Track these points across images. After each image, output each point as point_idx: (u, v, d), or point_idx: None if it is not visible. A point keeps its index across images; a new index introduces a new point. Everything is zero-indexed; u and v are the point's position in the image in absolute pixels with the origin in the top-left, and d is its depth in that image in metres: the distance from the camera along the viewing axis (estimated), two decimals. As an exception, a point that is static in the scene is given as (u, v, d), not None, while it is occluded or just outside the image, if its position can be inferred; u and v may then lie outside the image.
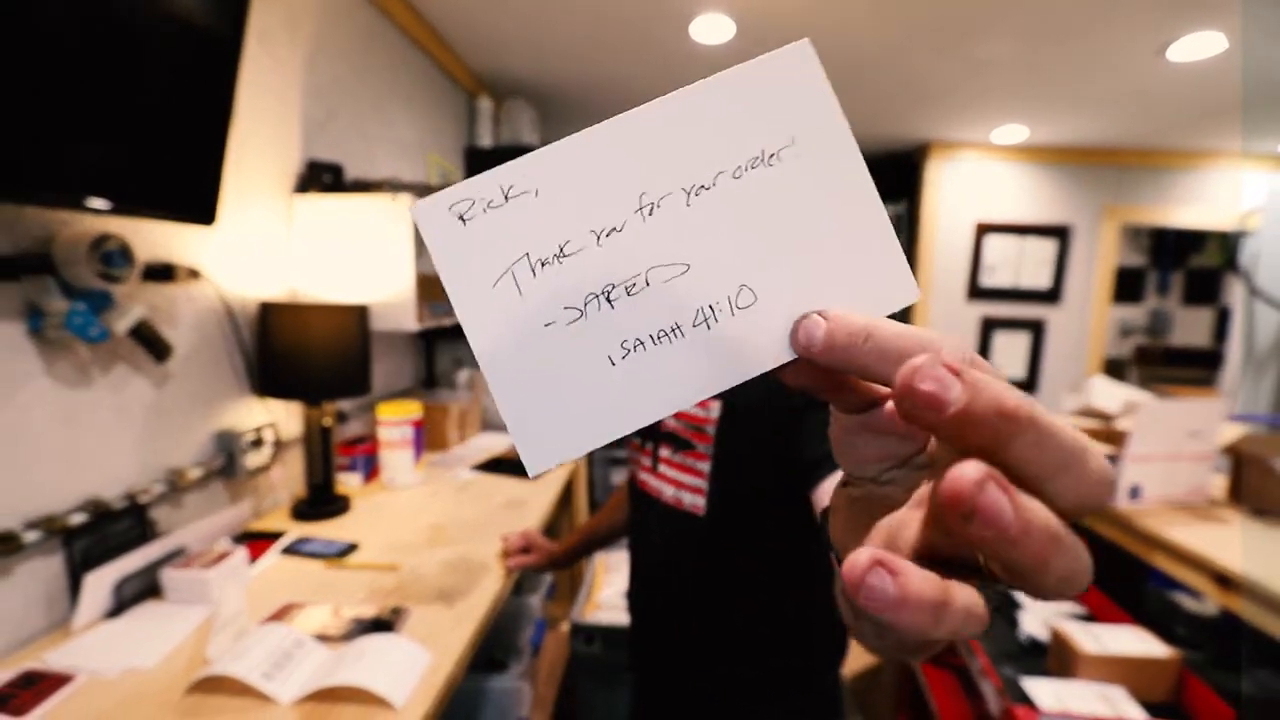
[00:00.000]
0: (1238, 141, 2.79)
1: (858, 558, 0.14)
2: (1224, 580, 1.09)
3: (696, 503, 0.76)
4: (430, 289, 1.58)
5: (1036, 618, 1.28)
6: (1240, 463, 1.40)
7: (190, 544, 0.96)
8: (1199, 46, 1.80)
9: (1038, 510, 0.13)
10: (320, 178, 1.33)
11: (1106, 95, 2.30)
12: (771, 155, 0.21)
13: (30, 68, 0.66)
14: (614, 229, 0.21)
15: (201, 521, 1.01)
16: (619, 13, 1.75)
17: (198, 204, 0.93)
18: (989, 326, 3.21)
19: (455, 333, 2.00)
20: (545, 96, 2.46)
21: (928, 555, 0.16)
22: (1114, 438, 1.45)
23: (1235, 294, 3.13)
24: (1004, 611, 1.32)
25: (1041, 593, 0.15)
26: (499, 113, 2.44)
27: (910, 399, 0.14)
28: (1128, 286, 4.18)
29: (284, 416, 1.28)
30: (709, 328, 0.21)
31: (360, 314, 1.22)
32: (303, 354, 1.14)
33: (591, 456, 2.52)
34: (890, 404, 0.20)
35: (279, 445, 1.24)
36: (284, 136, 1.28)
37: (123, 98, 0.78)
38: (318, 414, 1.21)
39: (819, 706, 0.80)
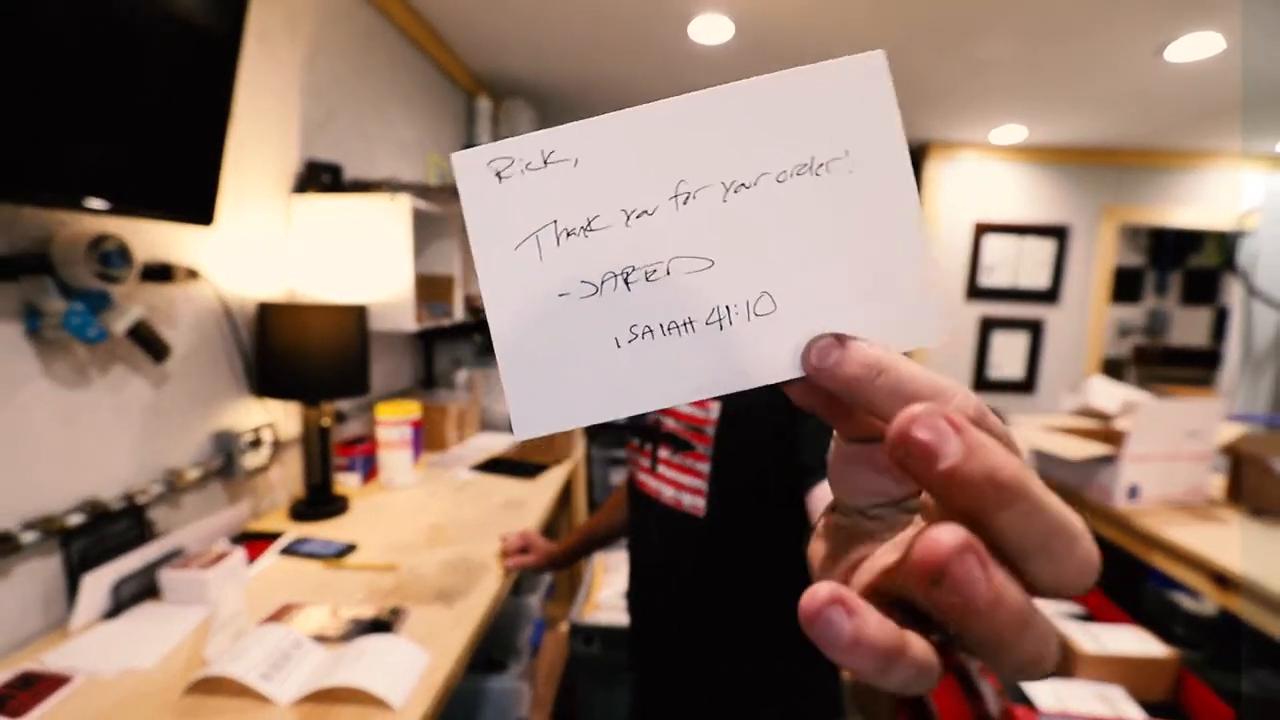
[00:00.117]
0: (1236, 141, 2.79)
1: (818, 590, 0.14)
2: (1222, 580, 1.09)
3: (696, 504, 0.76)
4: (429, 289, 1.58)
5: (1035, 617, 1.28)
6: (1239, 462, 1.41)
7: (188, 544, 0.96)
8: (1197, 47, 1.80)
9: (1011, 589, 0.13)
10: (319, 178, 1.33)
11: (1105, 95, 2.30)
12: (821, 165, 0.20)
13: (29, 67, 0.66)
14: (645, 212, 0.20)
15: (200, 522, 1.01)
16: (618, 13, 1.75)
17: (196, 204, 0.93)
18: (988, 326, 3.22)
19: (454, 333, 2.00)
20: (544, 96, 2.45)
21: (894, 600, 0.16)
22: (1112, 437, 1.45)
23: (1233, 294, 3.13)
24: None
25: (1001, 671, 0.14)
26: (498, 113, 2.44)
27: (904, 446, 0.14)
28: (1126, 286, 4.19)
29: (282, 417, 1.28)
30: (722, 329, 0.20)
31: (359, 314, 1.22)
32: (301, 354, 1.13)
33: (590, 456, 2.52)
34: None
35: (277, 445, 1.24)
36: (283, 136, 1.28)
37: (121, 97, 0.78)
38: (316, 414, 1.20)
39: (819, 707, 0.80)
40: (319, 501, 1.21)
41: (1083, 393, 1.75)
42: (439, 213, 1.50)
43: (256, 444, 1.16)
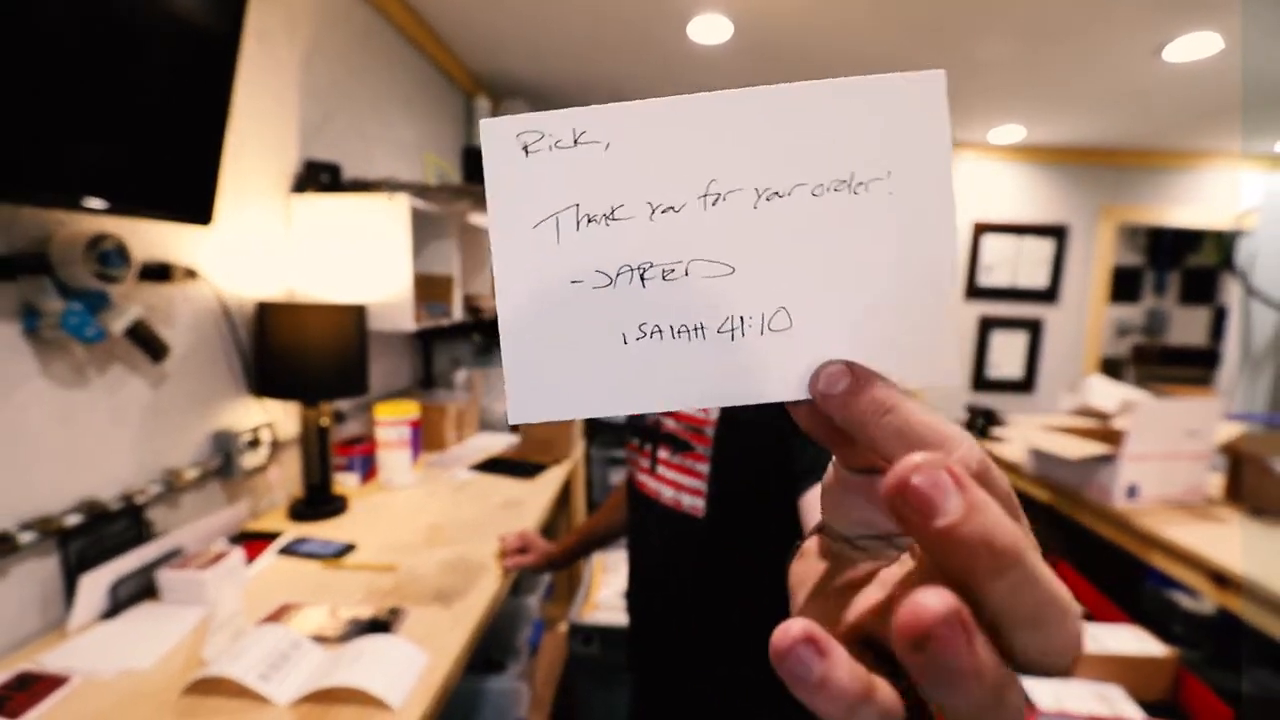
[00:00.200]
0: (1234, 141, 2.80)
1: (791, 627, 0.14)
2: (1221, 579, 1.09)
3: (696, 505, 0.76)
4: (428, 289, 1.58)
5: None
6: (1237, 462, 1.41)
7: (187, 544, 0.96)
8: (1195, 47, 1.80)
9: (992, 661, 0.13)
10: (318, 177, 1.33)
11: (1103, 95, 2.30)
12: (860, 183, 0.19)
13: (27, 67, 0.66)
14: (671, 208, 0.20)
15: (198, 522, 1.01)
16: (617, 13, 1.75)
17: (195, 204, 0.93)
18: (986, 326, 3.22)
19: (453, 333, 2.00)
20: (543, 96, 2.45)
21: (865, 638, 0.16)
22: (1111, 437, 1.45)
23: (1232, 293, 3.14)
24: None
25: None
26: (497, 113, 2.44)
27: (902, 495, 0.13)
28: (1125, 286, 4.19)
29: (281, 417, 1.27)
30: (733, 339, 0.20)
31: (358, 314, 1.21)
32: (300, 354, 1.13)
33: (589, 456, 2.52)
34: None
35: (276, 445, 1.24)
36: (281, 136, 1.28)
37: (120, 97, 0.78)
38: (315, 414, 1.20)
39: (818, 707, 0.80)
40: (318, 501, 1.21)
41: (1081, 392, 1.75)
42: (438, 212, 1.50)
43: (255, 444, 1.16)
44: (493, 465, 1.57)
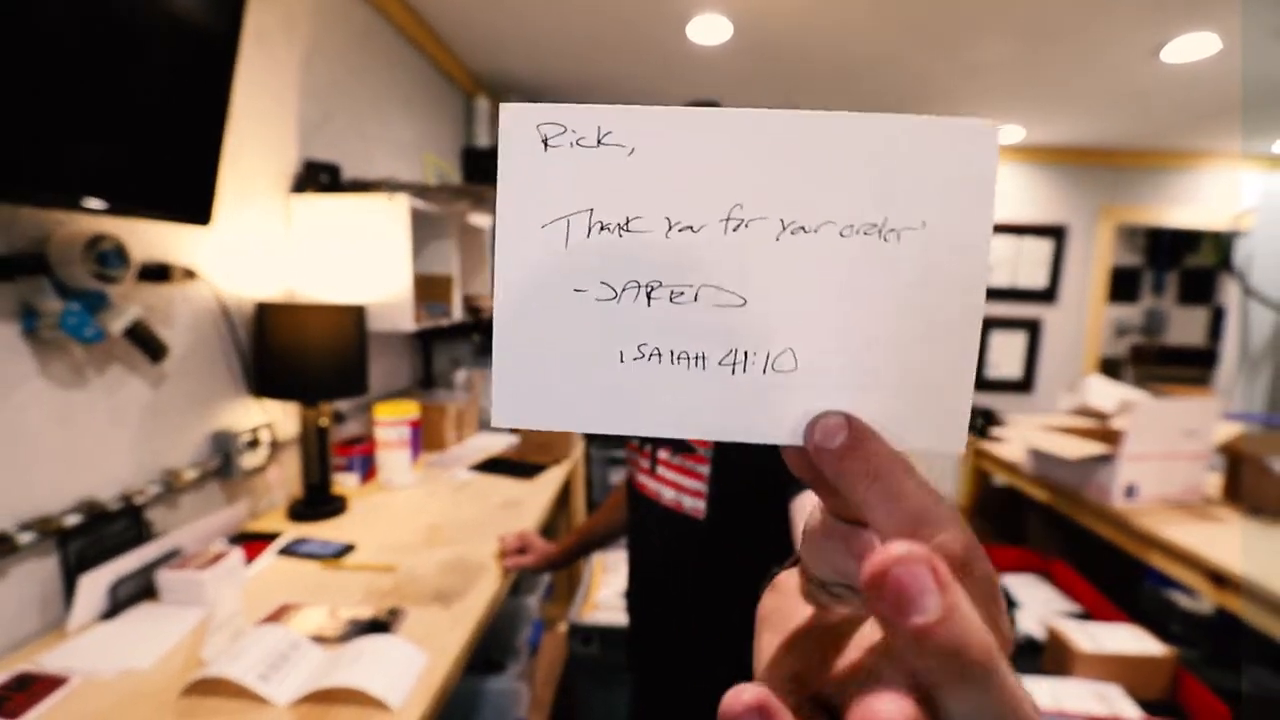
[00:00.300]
0: (1232, 142, 2.80)
1: (743, 693, 0.14)
2: (1219, 579, 1.09)
3: (697, 506, 0.76)
4: (427, 289, 1.58)
5: (1032, 617, 1.28)
6: (1235, 461, 1.41)
7: (186, 545, 0.95)
8: (1193, 47, 1.81)
9: None
10: (317, 178, 1.33)
11: (1102, 96, 2.31)
12: (893, 230, 0.18)
13: (26, 67, 0.66)
14: (690, 227, 0.19)
15: (197, 522, 1.01)
16: (616, 13, 1.75)
17: (194, 204, 0.93)
18: (986, 325, 3.22)
19: (452, 333, 2.00)
20: (543, 97, 2.45)
21: (823, 701, 0.16)
22: (1110, 437, 1.45)
23: (1230, 294, 3.14)
24: None
25: None
26: (496, 113, 2.43)
27: (879, 587, 0.13)
28: (1123, 286, 4.20)
29: (280, 417, 1.27)
30: (733, 373, 0.19)
31: (357, 314, 1.21)
32: (299, 354, 1.13)
33: (589, 456, 2.52)
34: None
35: (275, 446, 1.24)
36: (281, 136, 1.28)
37: (119, 97, 0.78)
38: (314, 414, 1.20)
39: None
40: (317, 502, 1.21)
41: (1080, 392, 1.75)
42: (437, 213, 1.50)
43: (254, 444, 1.16)
44: (492, 465, 1.57)
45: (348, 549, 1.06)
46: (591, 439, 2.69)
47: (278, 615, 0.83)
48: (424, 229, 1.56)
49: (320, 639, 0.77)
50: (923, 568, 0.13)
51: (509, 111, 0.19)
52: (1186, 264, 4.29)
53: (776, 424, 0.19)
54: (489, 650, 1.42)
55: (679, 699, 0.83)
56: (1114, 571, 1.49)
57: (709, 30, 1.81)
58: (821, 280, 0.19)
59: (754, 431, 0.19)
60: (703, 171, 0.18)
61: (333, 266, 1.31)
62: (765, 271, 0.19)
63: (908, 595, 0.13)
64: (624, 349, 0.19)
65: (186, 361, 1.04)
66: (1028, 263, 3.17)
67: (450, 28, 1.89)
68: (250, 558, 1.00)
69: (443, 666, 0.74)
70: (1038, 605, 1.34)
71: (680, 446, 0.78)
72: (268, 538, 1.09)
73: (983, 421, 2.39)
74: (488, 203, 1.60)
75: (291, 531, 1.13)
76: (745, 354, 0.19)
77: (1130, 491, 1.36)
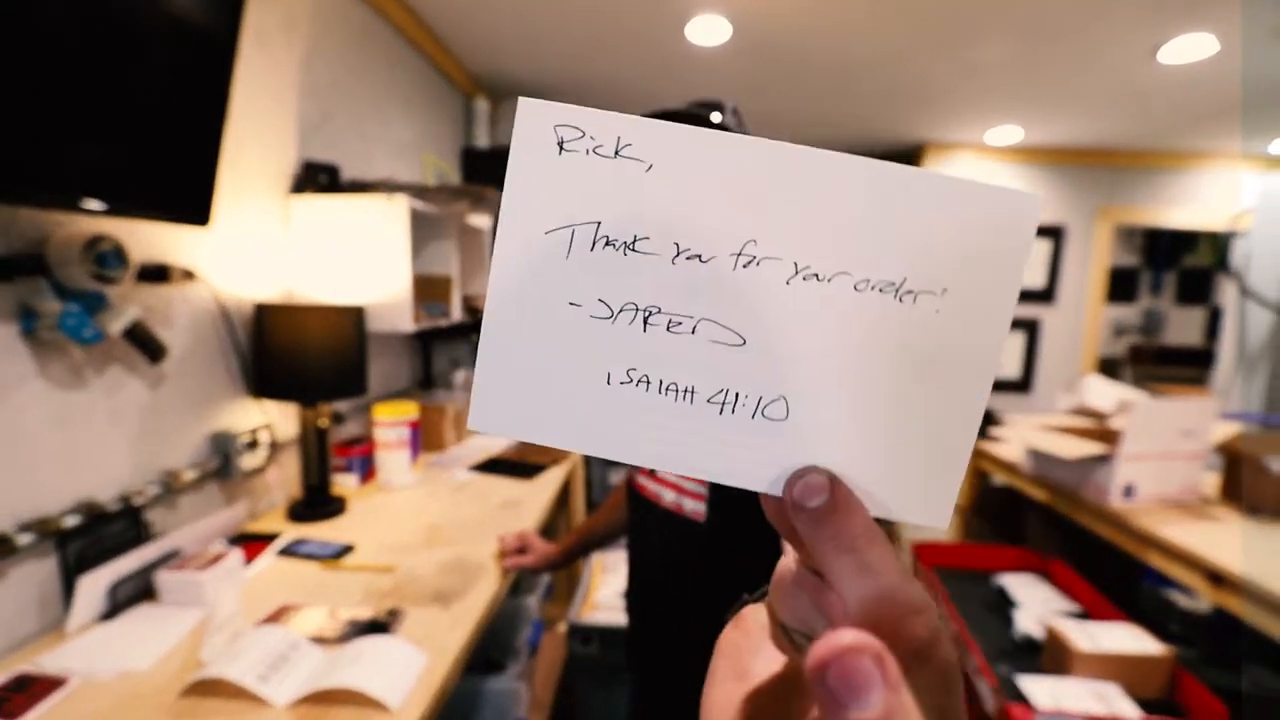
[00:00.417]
0: (1230, 143, 2.81)
1: None
2: (1217, 578, 1.09)
3: (697, 509, 0.76)
4: (427, 289, 1.58)
5: (1031, 616, 1.29)
6: (1233, 461, 1.41)
7: (185, 546, 0.95)
8: (1191, 48, 1.81)
9: None
10: (316, 178, 1.33)
11: (1100, 97, 2.31)
12: (909, 291, 0.17)
13: (25, 68, 0.66)
14: (699, 256, 0.18)
15: (197, 523, 1.01)
16: (615, 14, 1.75)
17: (193, 204, 0.93)
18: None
19: (452, 333, 2.00)
20: (542, 97, 2.44)
21: None
22: (1108, 436, 1.46)
23: (1227, 294, 3.15)
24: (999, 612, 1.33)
25: None
26: (496, 114, 2.44)
27: (823, 672, 0.13)
28: (1121, 286, 4.21)
29: (280, 418, 1.27)
30: (721, 413, 0.18)
31: (356, 315, 1.21)
32: (299, 355, 1.13)
33: (589, 457, 2.52)
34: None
35: (275, 446, 1.23)
36: (280, 137, 1.28)
37: (118, 98, 0.78)
38: (314, 415, 1.20)
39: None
40: (316, 502, 1.21)
41: (1078, 392, 1.76)
42: (437, 213, 1.50)
43: (254, 445, 1.16)
44: (492, 466, 1.57)
45: (347, 550, 1.06)
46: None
47: (277, 616, 0.83)
48: (423, 229, 1.56)
49: (319, 640, 0.77)
50: (870, 661, 0.12)
51: (527, 107, 0.18)
52: (1184, 264, 4.30)
53: (757, 471, 0.18)
54: (489, 650, 1.42)
55: (678, 700, 0.83)
56: (1112, 571, 1.49)
57: (708, 31, 1.82)
58: (827, 332, 0.18)
59: (732, 475, 0.19)
60: (721, 200, 0.17)
61: (332, 267, 1.31)
62: (770, 314, 0.18)
63: (850, 687, 0.12)
64: (612, 371, 0.18)
65: (185, 362, 1.04)
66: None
67: (449, 28, 1.89)
68: (249, 558, 1.00)
69: (442, 667, 0.74)
70: (1037, 605, 1.34)
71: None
72: (267, 538, 1.09)
73: (981, 421, 2.40)
74: (487, 203, 1.60)
75: (291, 532, 1.13)
76: (736, 395, 0.18)
77: (1128, 491, 1.36)
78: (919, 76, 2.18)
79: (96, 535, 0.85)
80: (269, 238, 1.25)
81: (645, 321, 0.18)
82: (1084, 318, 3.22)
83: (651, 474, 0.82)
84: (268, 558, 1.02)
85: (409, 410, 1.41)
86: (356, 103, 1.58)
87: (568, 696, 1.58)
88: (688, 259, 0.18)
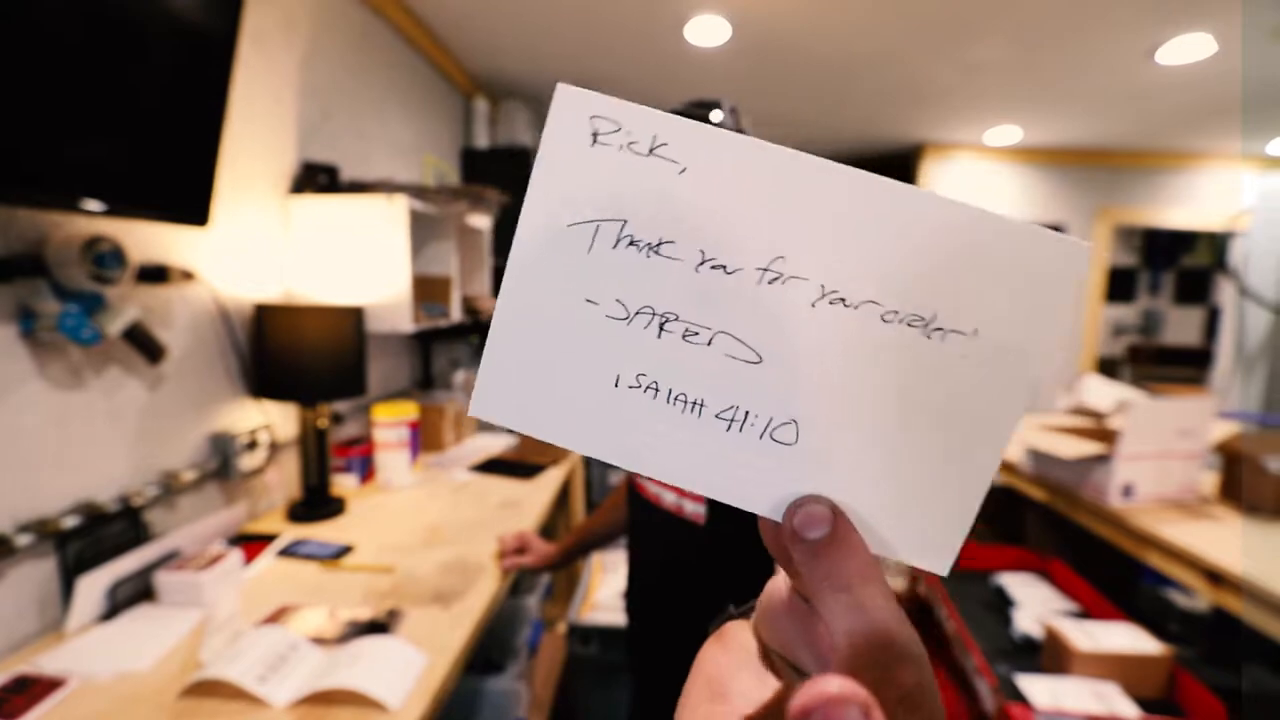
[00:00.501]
0: (1227, 143, 2.81)
1: None
2: (1215, 577, 1.10)
3: (698, 511, 0.76)
4: (426, 290, 1.58)
5: (1030, 616, 1.29)
6: (1232, 461, 1.42)
7: (184, 546, 0.95)
8: (1188, 49, 1.82)
9: None
10: (316, 179, 1.33)
11: (1098, 98, 2.32)
12: (938, 328, 0.17)
13: (23, 68, 0.66)
14: (723, 267, 0.17)
15: (196, 524, 1.01)
16: (614, 14, 1.75)
17: (191, 205, 0.93)
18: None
19: (451, 334, 2.00)
20: (542, 98, 2.45)
21: None
22: (1106, 436, 1.46)
23: (1225, 294, 3.15)
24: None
25: None
26: (495, 114, 2.44)
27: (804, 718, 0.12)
28: (1120, 286, 4.22)
29: (279, 418, 1.27)
30: (728, 430, 0.18)
31: (356, 315, 1.21)
32: (298, 355, 1.13)
33: (589, 457, 2.52)
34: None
35: (274, 447, 1.23)
36: (279, 137, 1.28)
37: (116, 98, 0.78)
38: (313, 415, 1.20)
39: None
40: (316, 503, 1.21)
41: (1077, 391, 1.76)
42: (436, 213, 1.50)
43: (253, 445, 1.16)
44: (491, 466, 1.57)
45: (346, 550, 1.05)
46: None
47: (276, 616, 0.82)
48: (423, 230, 1.56)
49: (319, 640, 0.77)
50: (856, 712, 0.12)
51: (565, 94, 0.17)
52: (1182, 264, 4.31)
53: (759, 493, 0.18)
54: (488, 650, 1.42)
55: (677, 701, 0.83)
56: (1111, 570, 1.50)
57: (707, 31, 1.82)
58: (848, 361, 0.17)
59: (732, 493, 0.18)
60: (753, 211, 0.17)
61: (331, 267, 1.31)
62: (790, 335, 0.17)
63: None
64: (621, 374, 0.18)
65: (185, 363, 1.04)
66: (1025, 263, 3.18)
67: (448, 29, 1.89)
68: (249, 559, 1.00)
69: (442, 667, 0.74)
70: (1036, 604, 1.35)
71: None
72: (266, 539, 1.09)
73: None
74: (486, 203, 1.60)
75: (290, 533, 1.13)
76: (746, 414, 0.18)
77: (1127, 491, 1.37)
78: (917, 77, 2.18)
79: (96, 536, 0.85)
80: (268, 238, 1.25)
81: (661, 327, 0.18)
82: (1083, 317, 3.23)
83: (651, 474, 0.82)
84: (267, 558, 1.02)
85: (408, 411, 1.41)
86: (356, 103, 1.58)
87: (567, 696, 1.58)
88: (712, 268, 0.17)
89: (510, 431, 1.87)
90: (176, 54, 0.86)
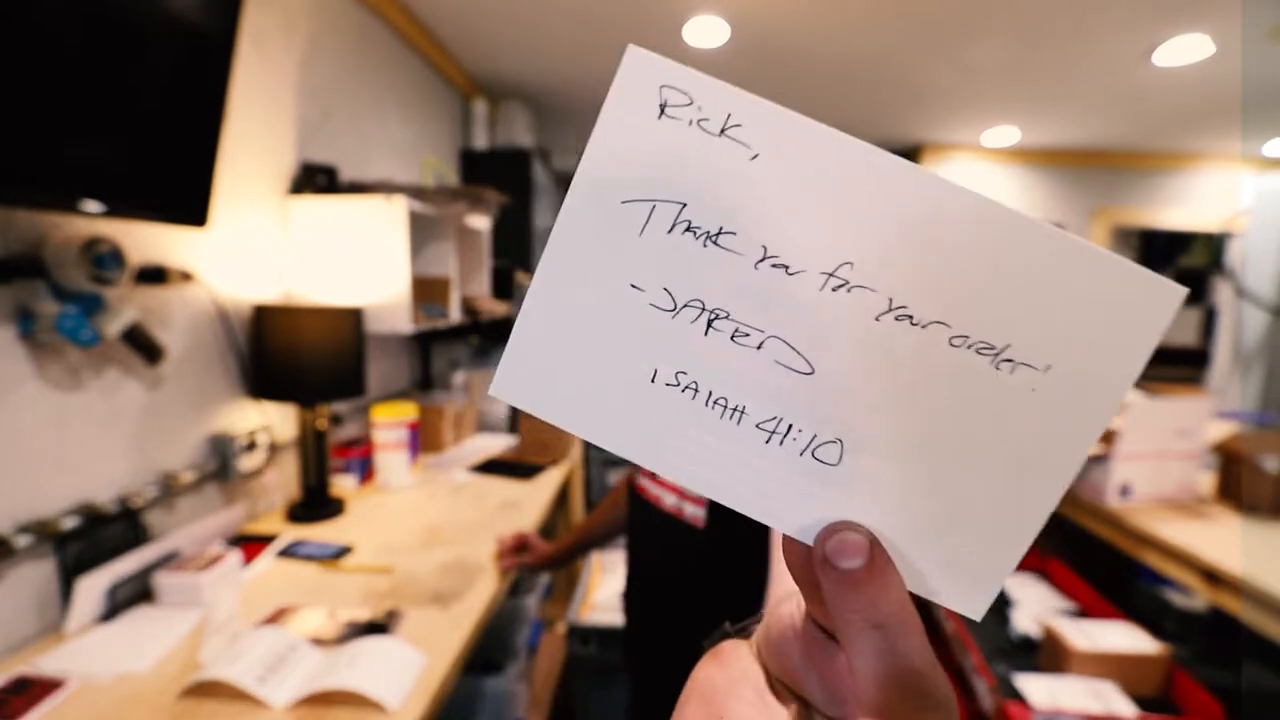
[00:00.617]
0: (1225, 144, 2.82)
1: None
2: (1212, 576, 1.10)
3: (697, 514, 0.76)
4: (425, 291, 1.58)
5: (1028, 615, 1.29)
6: (1229, 460, 1.42)
7: (184, 547, 0.95)
8: (1186, 50, 1.82)
9: None
10: (315, 179, 1.33)
11: (1096, 98, 2.32)
12: (1008, 359, 0.15)
13: (22, 68, 0.66)
14: (786, 266, 0.16)
15: (195, 525, 1.01)
16: (612, 15, 1.76)
17: (190, 206, 0.93)
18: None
19: (451, 335, 2.00)
20: (540, 99, 2.46)
21: None
22: (1104, 436, 1.46)
23: (1222, 294, 3.16)
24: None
25: None
26: (494, 115, 2.44)
27: None
28: (1118, 287, 4.23)
29: (278, 419, 1.27)
30: (767, 442, 0.17)
31: (355, 316, 1.21)
32: (297, 356, 1.13)
33: (588, 458, 2.52)
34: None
35: (273, 448, 1.23)
36: (278, 138, 1.28)
37: (116, 99, 0.78)
38: (312, 416, 1.20)
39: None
40: (315, 504, 1.21)
41: (1075, 392, 1.76)
42: (435, 214, 1.50)
43: (252, 446, 1.16)
44: (491, 467, 1.57)
45: (346, 551, 1.06)
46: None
47: (276, 617, 0.83)
48: (422, 231, 1.56)
49: (318, 641, 0.77)
50: None
51: (635, 57, 0.16)
52: (1180, 265, 4.32)
53: (789, 512, 0.17)
54: (488, 651, 1.42)
55: (676, 702, 0.84)
56: (1109, 570, 1.50)
57: (706, 32, 1.82)
58: (907, 383, 0.16)
59: (762, 509, 0.17)
60: (826, 210, 0.15)
61: (330, 268, 1.31)
62: (849, 348, 0.16)
63: None
64: (660, 369, 0.17)
65: (184, 364, 1.04)
66: (1023, 263, 3.19)
67: (447, 30, 1.89)
68: (248, 560, 1.00)
69: (441, 667, 0.74)
70: (1034, 603, 1.35)
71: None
72: (266, 540, 1.09)
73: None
74: (485, 204, 1.61)
75: (290, 533, 1.13)
76: (790, 426, 0.16)
77: (1125, 491, 1.37)
78: (916, 78, 2.18)
79: (95, 537, 0.85)
80: (267, 239, 1.25)
81: (709, 324, 0.16)
82: (1080, 318, 3.24)
83: (654, 476, 0.82)
84: (266, 559, 1.02)
85: (408, 411, 1.41)
86: (355, 104, 1.58)
87: (567, 697, 1.58)
88: (773, 266, 0.16)
89: (511, 431, 1.87)
90: (176, 54, 0.86)
